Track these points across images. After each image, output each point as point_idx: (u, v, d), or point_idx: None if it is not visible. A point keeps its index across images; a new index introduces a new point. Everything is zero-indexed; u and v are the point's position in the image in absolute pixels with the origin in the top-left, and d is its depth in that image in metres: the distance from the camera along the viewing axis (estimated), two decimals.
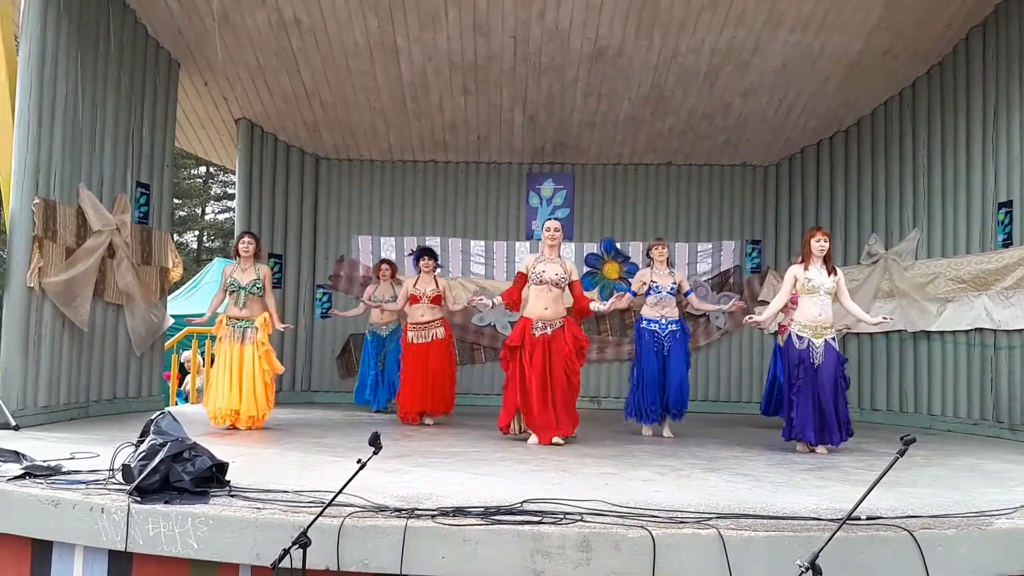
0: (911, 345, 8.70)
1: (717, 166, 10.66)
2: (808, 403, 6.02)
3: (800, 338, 6.14)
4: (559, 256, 6.45)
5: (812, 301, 6.14)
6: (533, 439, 6.24)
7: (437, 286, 7.96)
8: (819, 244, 6.22)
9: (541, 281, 6.31)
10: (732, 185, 10.70)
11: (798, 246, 10.28)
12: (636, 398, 7.17)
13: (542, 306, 6.31)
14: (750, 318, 6.54)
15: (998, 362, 7.52)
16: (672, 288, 7.23)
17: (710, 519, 3.42)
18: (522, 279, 6.45)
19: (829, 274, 6.21)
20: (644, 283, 7.25)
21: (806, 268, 6.22)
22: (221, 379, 6.77)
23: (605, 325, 10.52)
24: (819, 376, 6.04)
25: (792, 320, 6.29)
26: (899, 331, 8.78)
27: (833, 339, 6.18)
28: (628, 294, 7.05)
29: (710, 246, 10.62)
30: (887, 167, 9.11)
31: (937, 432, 7.96)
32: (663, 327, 7.15)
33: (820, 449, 6.08)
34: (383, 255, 10.55)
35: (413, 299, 7.87)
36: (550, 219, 6.57)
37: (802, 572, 2.87)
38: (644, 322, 7.24)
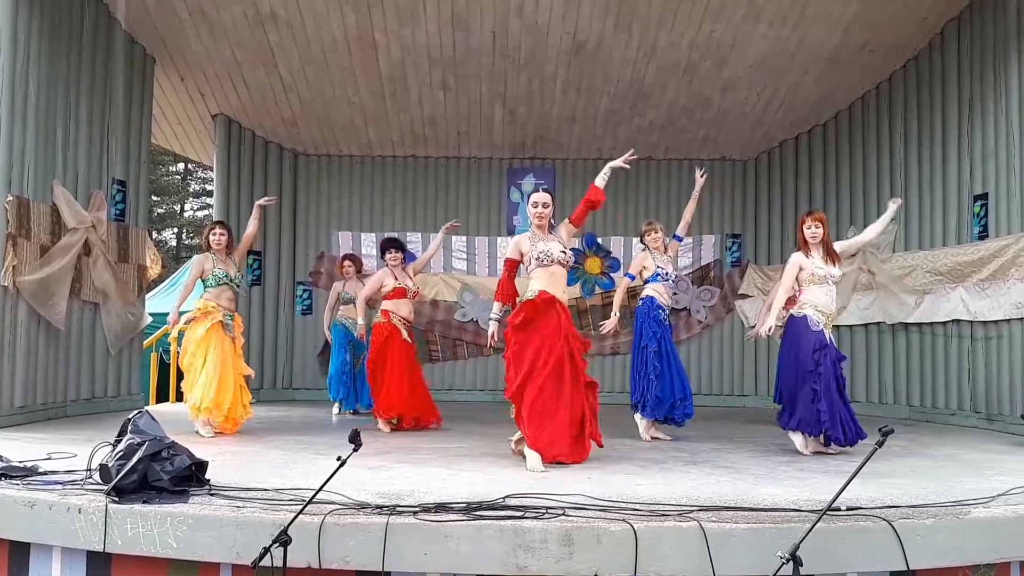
0: (889, 337, 8.79)
1: (697, 160, 10.67)
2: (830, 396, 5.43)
3: (817, 321, 5.54)
4: (548, 232, 5.25)
5: (823, 290, 5.58)
6: (533, 460, 4.75)
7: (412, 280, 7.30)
8: (810, 231, 5.62)
9: (552, 261, 5.07)
10: (711, 179, 10.68)
11: (777, 239, 10.39)
12: (660, 390, 6.26)
13: (559, 291, 5.10)
14: (752, 333, 6.04)
15: (975, 353, 7.60)
16: (676, 275, 6.63)
17: (692, 512, 3.43)
18: (514, 267, 5.24)
19: (832, 262, 5.65)
20: (646, 267, 6.57)
21: (807, 257, 5.64)
22: (223, 372, 6.17)
23: (587, 319, 10.53)
24: (835, 368, 5.53)
25: (802, 303, 5.63)
26: (877, 323, 8.88)
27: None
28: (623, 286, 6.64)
29: (690, 240, 10.66)
30: (864, 160, 9.19)
31: (915, 423, 8.04)
32: (666, 315, 6.57)
33: (831, 448, 5.53)
34: (364, 251, 10.51)
35: (400, 292, 7.11)
36: (537, 190, 5.38)
37: (783, 563, 2.89)
38: (655, 306, 6.50)
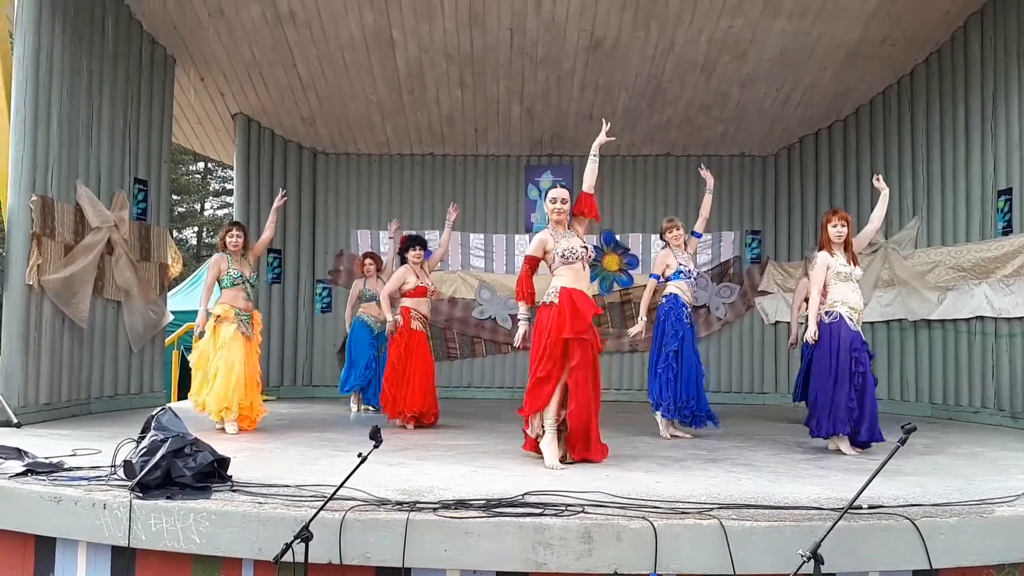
0: (912, 334, 8.70)
1: (716, 156, 10.64)
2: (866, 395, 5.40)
3: (851, 320, 5.48)
4: (567, 229, 5.17)
5: (850, 287, 5.53)
6: (551, 457, 4.79)
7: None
8: (835, 230, 5.56)
9: (578, 258, 5.01)
10: (731, 175, 10.68)
11: (797, 236, 10.31)
12: (673, 391, 6.24)
13: (584, 287, 5.03)
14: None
15: (999, 350, 7.51)
16: (697, 272, 6.65)
17: (712, 509, 3.42)
18: (535, 264, 5.11)
19: (851, 263, 5.57)
20: (668, 265, 6.50)
21: (832, 256, 5.57)
22: (239, 371, 6.21)
23: (605, 316, 10.50)
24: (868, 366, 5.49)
25: (833, 302, 5.52)
26: (900, 320, 8.80)
27: None
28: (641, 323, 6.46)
29: (709, 237, 10.59)
30: (886, 156, 9.09)
31: (938, 421, 7.96)
32: (688, 314, 6.45)
33: (849, 449, 5.43)
34: (382, 249, 10.54)
35: (421, 291, 7.11)
36: (555, 186, 5.32)
37: (804, 561, 2.88)
38: (679, 304, 6.40)
